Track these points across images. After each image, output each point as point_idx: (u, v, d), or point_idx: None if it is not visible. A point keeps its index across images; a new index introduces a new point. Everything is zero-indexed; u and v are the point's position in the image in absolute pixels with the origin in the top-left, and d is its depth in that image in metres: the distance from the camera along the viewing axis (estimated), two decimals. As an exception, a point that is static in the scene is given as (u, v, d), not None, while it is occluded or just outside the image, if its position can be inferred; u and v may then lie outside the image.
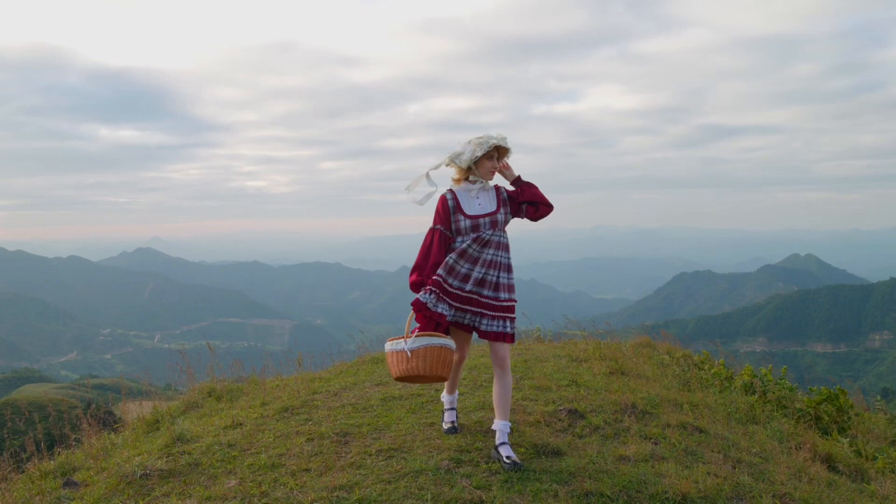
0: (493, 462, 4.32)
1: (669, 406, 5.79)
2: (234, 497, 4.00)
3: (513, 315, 4.53)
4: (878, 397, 9.31)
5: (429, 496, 3.85)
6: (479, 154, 4.44)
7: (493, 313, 4.49)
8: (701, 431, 5.15)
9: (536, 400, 5.82)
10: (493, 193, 4.64)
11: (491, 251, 4.49)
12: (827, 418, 6.44)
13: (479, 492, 3.88)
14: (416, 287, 4.51)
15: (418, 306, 4.43)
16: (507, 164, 4.64)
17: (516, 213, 4.63)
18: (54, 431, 6.68)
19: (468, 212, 4.51)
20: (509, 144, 4.54)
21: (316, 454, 4.65)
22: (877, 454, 5.63)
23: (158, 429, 5.84)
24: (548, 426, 5.10)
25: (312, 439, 4.97)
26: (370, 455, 4.57)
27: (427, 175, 4.66)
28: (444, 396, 5.15)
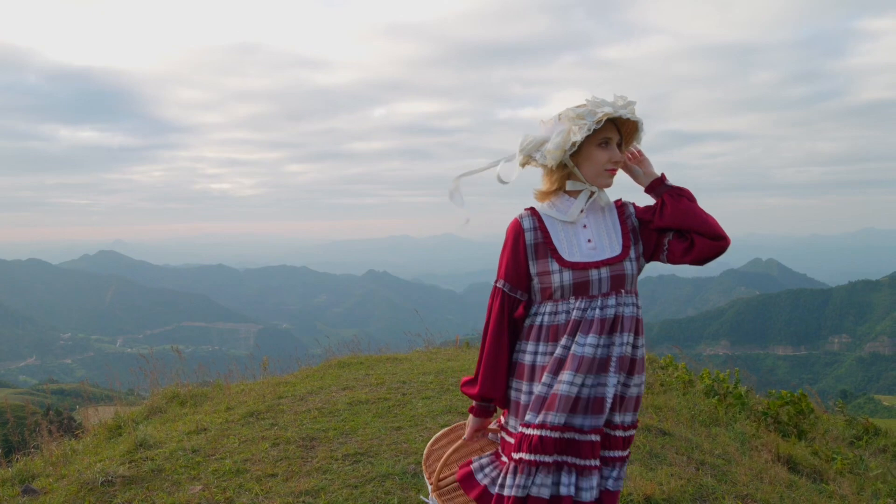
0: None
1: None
2: (199, 503, 3.96)
3: (628, 451, 2.52)
4: (838, 400, 9.51)
5: (395, 500, 3.85)
6: (580, 139, 2.36)
7: (613, 454, 2.45)
8: (665, 434, 5.22)
9: (503, 403, 5.84)
10: (614, 218, 2.55)
11: (614, 339, 2.38)
12: (787, 421, 6.56)
13: (445, 496, 3.89)
14: (474, 399, 2.62)
15: (468, 486, 2.64)
16: (638, 151, 2.59)
17: (653, 250, 2.52)
18: (12, 438, 6.55)
19: (566, 255, 2.43)
20: (638, 115, 2.44)
21: (281, 459, 4.62)
22: (835, 455, 5.75)
23: (121, 434, 5.75)
24: (514, 430, 5.12)
25: (278, 444, 4.94)
26: (336, 460, 4.55)
27: (456, 188, 2.66)
28: None
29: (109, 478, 4.39)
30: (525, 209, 2.55)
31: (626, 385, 2.42)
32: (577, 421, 2.35)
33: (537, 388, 2.39)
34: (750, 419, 6.51)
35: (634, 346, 2.42)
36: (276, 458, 4.63)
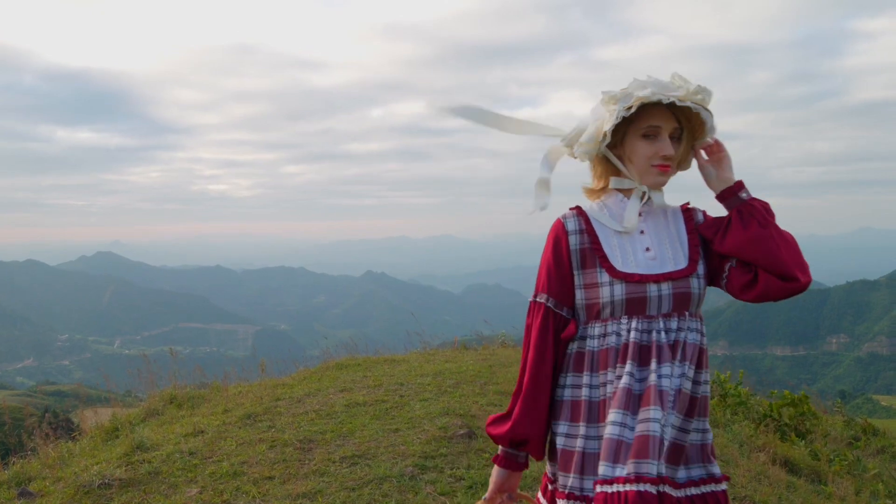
0: (458, 468, 4.31)
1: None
2: (195, 506, 3.94)
3: None
4: (837, 400, 9.52)
5: (393, 503, 3.84)
6: (609, 129, 1.92)
7: None
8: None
9: (501, 405, 5.83)
10: (679, 225, 2.06)
11: (675, 370, 1.88)
12: (788, 422, 6.57)
13: (443, 498, 3.88)
14: (501, 443, 2.07)
15: None
16: (718, 146, 2.02)
17: (713, 275, 2.03)
18: (9, 440, 6.53)
19: (619, 264, 1.96)
20: (697, 100, 1.91)
21: (279, 461, 4.60)
22: (834, 456, 5.75)
23: (117, 437, 5.73)
24: (512, 431, 5.11)
25: (275, 446, 4.92)
26: (334, 462, 4.53)
27: (542, 176, 2.14)
28: None
29: (106, 480, 4.37)
30: (570, 208, 2.08)
31: (683, 430, 1.87)
32: (612, 470, 1.79)
33: (609, 431, 1.81)
34: (749, 420, 6.50)
35: (696, 382, 1.90)
36: (273, 461, 4.62)
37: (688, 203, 2.12)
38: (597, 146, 1.98)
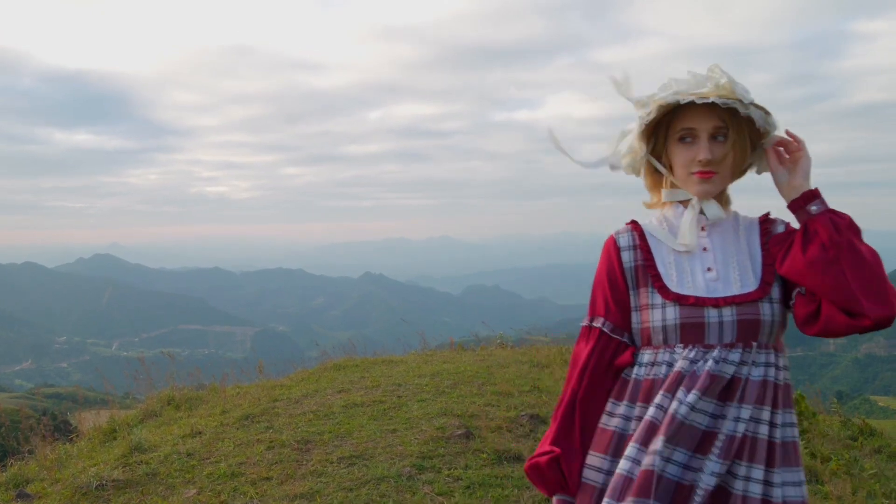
0: (455, 469, 4.32)
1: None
2: (193, 507, 3.95)
3: None
4: (833, 399, 9.53)
5: (391, 503, 3.84)
6: (635, 136, 1.81)
7: None
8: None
9: (498, 406, 5.83)
10: (753, 240, 1.79)
11: (728, 410, 1.64)
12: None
13: (441, 498, 3.88)
14: (534, 477, 1.84)
15: None
16: (796, 142, 1.73)
17: (784, 298, 1.74)
18: (7, 442, 6.52)
19: (673, 284, 1.75)
20: (737, 91, 1.66)
21: (276, 462, 4.60)
22: (831, 456, 5.75)
23: (115, 438, 5.73)
24: (509, 431, 5.11)
25: (273, 447, 4.93)
26: (331, 463, 4.54)
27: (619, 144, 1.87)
28: None
29: (103, 482, 4.37)
30: (626, 223, 1.87)
31: (747, 478, 1.59)
32: None
33: (620, 466, 1.65)
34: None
35: (773, 425, 1.62)
36: (270, 462, 4.62)
37: (768, 213, 1.82)
38: (635, 158, 1.82)
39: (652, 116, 1.71)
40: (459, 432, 4.98)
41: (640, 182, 1.91)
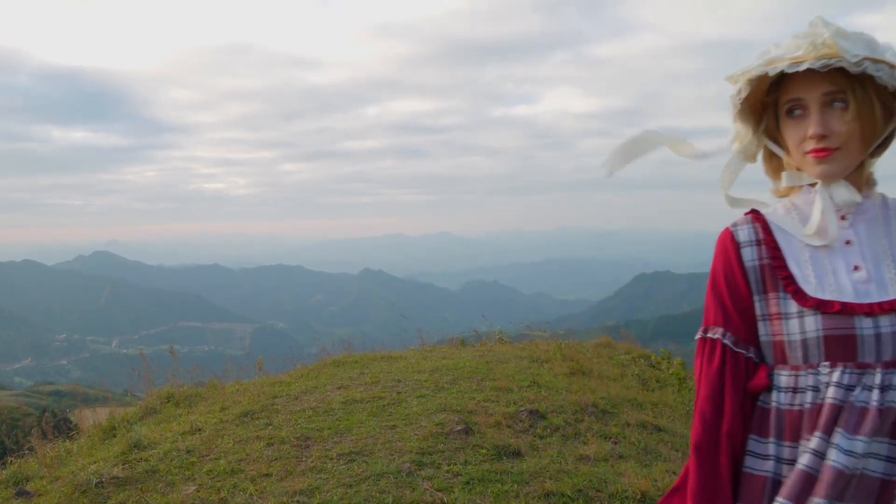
0: (455, 464, 4.32)
1: (629, 405, 5.86)
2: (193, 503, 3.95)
3: None
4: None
5: (390, 499, 3.85)
6: (733, 117, 1.49)
7: None
8: (660, 430, 5.23)
9: (497, 401, 5.84)
10: None
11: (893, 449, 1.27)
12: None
13: (440, 494, 3.89)
14: None
15: None
16: None
17: None
18: (7, 440, 6.53)
19: (812, 288, 1.36)
20: (844, 46, 1.28)
21: (276, 459, 4.61)
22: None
23: (115, 436, 5.74)
24: (509, 427, 5.12)
25: (272, 444, 4.93)
26: (331, 459, 4.54)
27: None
28: None
29: (103, 479, 4.37)
30: (745, 213, 1.51)
31: None
32: None
33: None
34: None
35: None
36: (270, 458, 4.62)
37: None
38: (742, 143, 1.51)
39: (744, 94, 1.42)
40: (459, 428, 4.99)
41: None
